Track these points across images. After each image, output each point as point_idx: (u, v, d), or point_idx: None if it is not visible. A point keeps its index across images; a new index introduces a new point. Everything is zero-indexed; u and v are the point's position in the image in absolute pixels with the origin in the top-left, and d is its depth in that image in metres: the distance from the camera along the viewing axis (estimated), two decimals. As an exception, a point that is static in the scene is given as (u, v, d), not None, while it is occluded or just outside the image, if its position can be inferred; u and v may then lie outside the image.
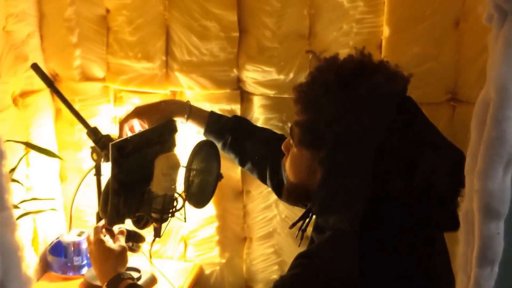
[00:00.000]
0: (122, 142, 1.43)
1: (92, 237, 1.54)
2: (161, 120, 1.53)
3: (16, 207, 1.46)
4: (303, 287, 1.05)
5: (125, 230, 1.60)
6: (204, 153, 1.55)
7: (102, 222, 1.55)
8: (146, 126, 1.53)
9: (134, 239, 1.60)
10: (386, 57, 1.58)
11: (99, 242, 1.50)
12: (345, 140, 1.04)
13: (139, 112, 1.54)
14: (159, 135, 1.52)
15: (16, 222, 0.79)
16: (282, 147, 1.27)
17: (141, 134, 1.50)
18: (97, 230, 1.54)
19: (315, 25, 1.64)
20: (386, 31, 1.58)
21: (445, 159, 1.05)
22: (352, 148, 1.04)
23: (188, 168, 1.50)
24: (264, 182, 1.57)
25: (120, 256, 1.50)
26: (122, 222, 1.54)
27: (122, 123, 1.53)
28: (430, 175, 1.03)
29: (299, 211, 1.79)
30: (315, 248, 1.16)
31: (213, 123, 1.58)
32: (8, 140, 1.50)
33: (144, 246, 1.92)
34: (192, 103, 1.71)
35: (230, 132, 1.57)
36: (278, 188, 1.52)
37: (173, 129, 1.57)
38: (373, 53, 1.57)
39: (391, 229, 1.05)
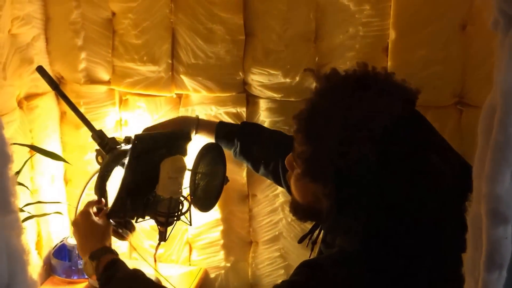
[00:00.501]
0: (145, 135, 1.46)
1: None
2: None
3: (21, 210, 1.45)
4: None
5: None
6: (210, 156, 1.54)
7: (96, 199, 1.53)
8: None
9: (125, 226, 1.56)
10: (392, 60, 1.58)
11: (87, 214, 1.46)
12: (350, 173, 0.98)
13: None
14: (172, 141, 1.52)
15: (22, 225, 0.78)
16: (286, 164, 1.21)
17: (154, 137, 1.50)
18: (89, 204, 1.51)
19: (321, 28, 1.64)
20: (392, 34, 1.57)
21: (451, 164, 1.03)
22: (358, 181, 0.98)
23: (194, 171, 1.50)
24: (280, 184, 1.57)
25: (106, 231, 1.46)
26: (122, 219, 1.53)
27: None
28: (437, 180, 1.01)
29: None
30: (320, 260, 1.14)
31: (221, 132, 1.59)
32: (13, 144, 1.50)
33: (149, 250, 1.93)
34: (197, 106, 1.71)
35: (238, 139, 1.57)
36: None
37: (186, 138, 1.57)
38: (379, 56, 1.60)
39: (398, 247, 1.02)
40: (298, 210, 1.20)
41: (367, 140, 0.97)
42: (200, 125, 1.61)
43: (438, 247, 1.04)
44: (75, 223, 1.49)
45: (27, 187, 1.50)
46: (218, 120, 1.66)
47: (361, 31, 1.60)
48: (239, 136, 1.57)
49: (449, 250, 1.03)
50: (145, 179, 1.47)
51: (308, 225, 1.79)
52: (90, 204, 1.51)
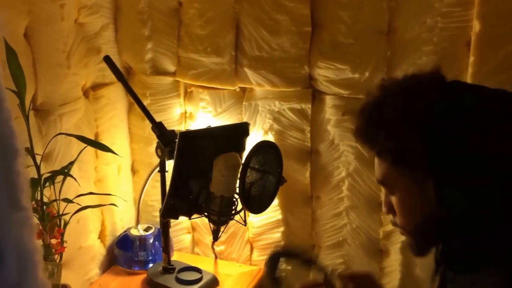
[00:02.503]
0: (190, 133, 1.41)
1: None
2: None
3: (70, 201, 1.45)
4: None
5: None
6: (264, 154, 1.46)
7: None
8: None
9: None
10: (475, 56, 1.43)
11: None
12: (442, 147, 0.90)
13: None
14: (226, 137, 1.46)
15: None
16: (386, 210, 1.06)
17: (200, 134, 1.45)
18: None
19: (395, 20, 1.51)
20: (476, 26, 1.41)
21: None
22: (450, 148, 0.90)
23: (245, 166, 1.41)
24: None
25: None
26: (176, 217, 1.49)
27: None
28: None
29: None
30: None
31: None
32: (60, 134, 1.49)
33: (210, 246, 1.89)
34: (260, 101, 1.62)
35: None
36: None
37: (245, 132, 1.50)
38: (460, 51, 1.46)
39: None
40: (419, 238, 1.02)
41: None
42: None
43: None
44: None
45: (74, 178, 1.48)
46: None
47: (440, 23, 1.46)
48: None
49: None
50: (194, 176, 1.42)
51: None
52: None
